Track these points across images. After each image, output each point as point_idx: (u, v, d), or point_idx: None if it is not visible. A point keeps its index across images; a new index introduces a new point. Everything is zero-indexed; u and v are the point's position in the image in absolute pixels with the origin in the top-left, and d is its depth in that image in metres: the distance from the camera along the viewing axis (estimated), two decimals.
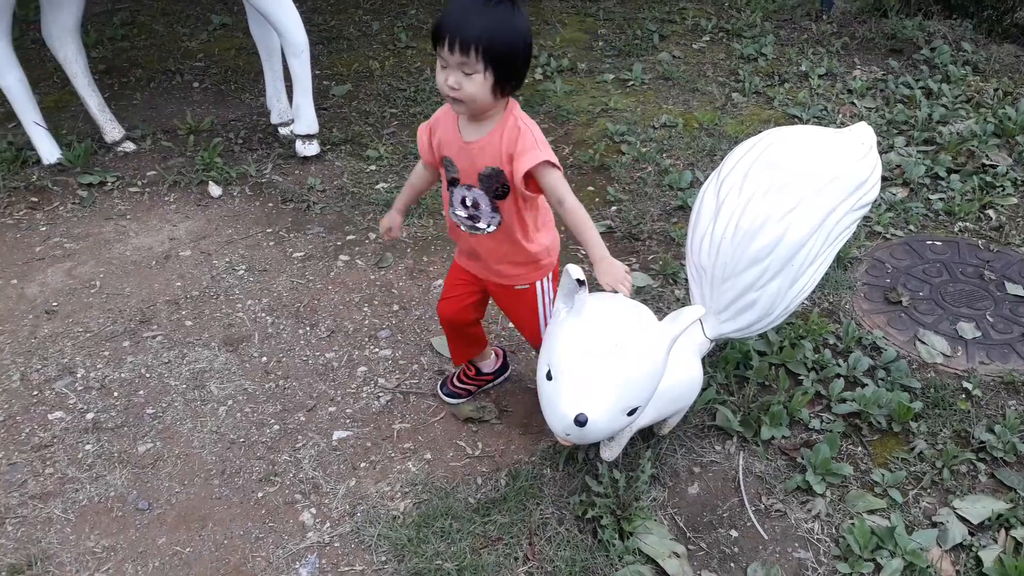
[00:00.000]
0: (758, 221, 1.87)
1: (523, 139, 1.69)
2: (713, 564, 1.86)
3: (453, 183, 1.82)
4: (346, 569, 1.84)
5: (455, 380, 2.26)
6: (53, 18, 3.26)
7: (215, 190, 3.23)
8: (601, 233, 2.96)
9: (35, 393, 2.30)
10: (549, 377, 1.68)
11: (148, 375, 2.36)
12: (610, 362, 1.62)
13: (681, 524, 1.94)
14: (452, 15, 1.57)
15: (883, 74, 4.20)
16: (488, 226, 1.83)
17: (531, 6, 5.23)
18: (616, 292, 1.69)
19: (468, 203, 1.82)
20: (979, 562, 1.83)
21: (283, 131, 3.58)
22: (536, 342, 2.01)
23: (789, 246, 1.88)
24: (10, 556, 1.86)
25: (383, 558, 1.85)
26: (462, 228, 1.88)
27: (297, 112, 3.32)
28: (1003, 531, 1.91)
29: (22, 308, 2.63)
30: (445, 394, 2.27)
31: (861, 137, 2.06)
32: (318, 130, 3.39)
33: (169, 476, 2.07)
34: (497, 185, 1.75)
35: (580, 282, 1.64)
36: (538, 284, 1.94)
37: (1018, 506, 1.95)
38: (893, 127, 3.68)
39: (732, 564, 1.86)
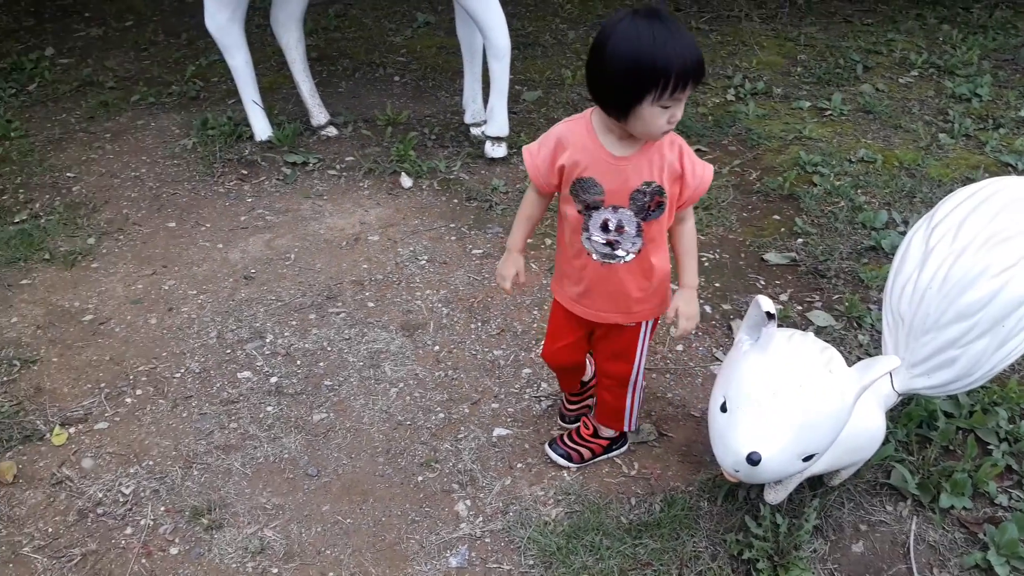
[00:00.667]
0: (972, 273, 1.75)
1: (688, 153, 1.65)
2: None
3: (593, 207, 1.66)
4: (494, 566, 1.87)
5: (567, 439, 2.12)
6: (282, 6, 3.53)
7: (406, 181, 3.38)
8: (784, 265, 2.87)
9: (228, 351, 2.50)
10: (724, 409, 1.64)
11: (329, 348, 2.51)
12: (793, 403, 1.56)
13: None
14: (675, 53, 1.44)
15: None
16: (628, 253, 1.71)
17: (729, 26, 5.12)
18: (676, 324, 1.79)
19: (612, 226, 1.67)
20: None
21: (475, 131, 3.70)
22: (625, 378, 1.94)
23: (1004, 304, 1.74)
24: (193, 499, 2.03)
25: (531, 561, 1.87)
26: (594, 257, 1.72)
27: (491, 114, 3.42)
28: None
29: (224, 271, 2.86)
30: (558, 454, 2.10)
31: None
32: (508, 133, 3.48)
33: (338, 447, 2.18)
34: (651, 204, 1.64)
35: (770, 315, 1.59)
36: (643, 324, 1.86)
37: None
38: None
39: None
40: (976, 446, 2.13)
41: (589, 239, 1.71)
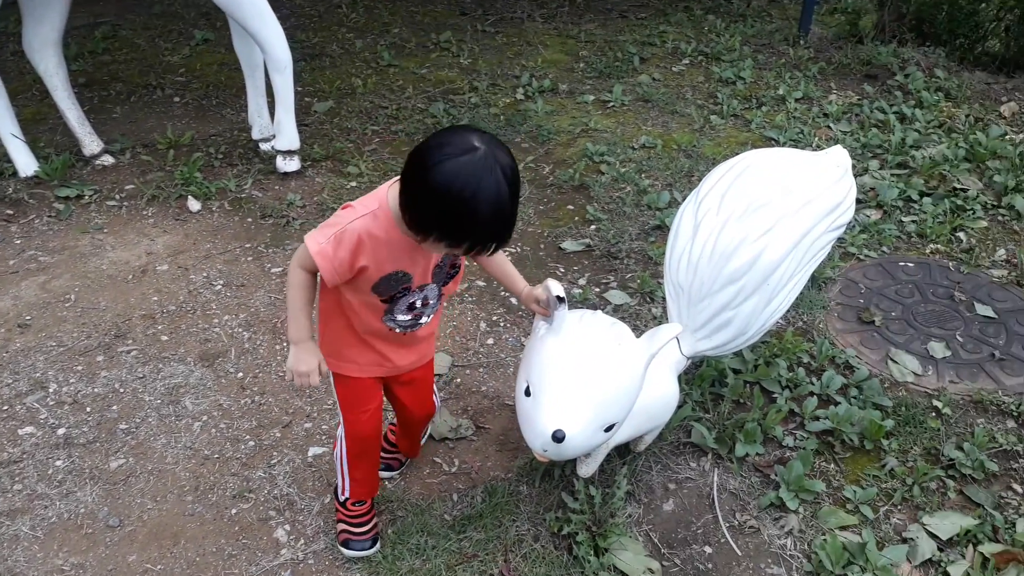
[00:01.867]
0: (735, 242, 1.90)
1: None
2: None
3: (400, 295, 1.57)
4: None
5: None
6: (34, 31, 3.25)
7: (194, 205, 3.22)
8: (580, 251, 3.00)
9: (5, 408, 2.28)
10: (528, 393, 1.68)
11: (122, 390, 2.34)
12: (588, 378, 1.63)
13: (656, 540, 1.94)
14: (506, 233, 1.40)
15: (858, 99, 4.27)
16: (430, 315, 1.67)
17: (513, 27, 5.28)
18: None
19: (418, 304, 1.61)
20: None
21: (264, 147, 3.58)
22: (432, 412, 1.94)
23: (765, 266, 1.90)
24: None
25: (357, 575, 1.84)
26: (397, 330, 1.64)
27: (278, 128, 3.33)
28: (971, 547, 1.93)
29: None
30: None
31: (837, 160, 2.10)
32: (299, 146, 3.40)
33: (141, 492, 2.04)
34: (448, 269, 1.62)
35: (560, 299, 1.65)
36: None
37: (985, 522, 1.98)
38: (868, 151, 3.74)
39: None
40: (762, 396, 2.32)
41: (392, 319, 1.61)
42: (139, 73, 4.45)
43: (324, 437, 2.20)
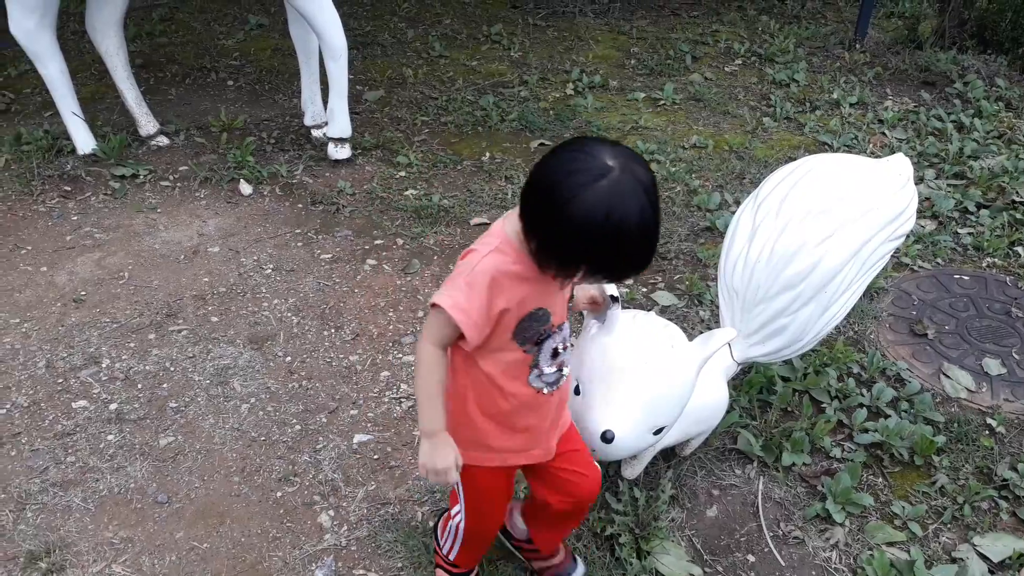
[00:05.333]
0: (794, 247, 1.87)
1: None
2: None
3: (544, 338, 1.38)
4: (361, 573, 1.84)
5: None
6: (98, 11, 3.31)
7: (246, 188, 3.25)
8: None
9: (60, 381, 2.32)
10: (577, 392, 1.68)
11: (172, 369, 2.38)
12: (639, 380, 1.62)
13: (698, 546, 1.93)
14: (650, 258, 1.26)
15: (915, 106, 4.18)
16: (569, 364, 1.46)
17: (565, 22, 5.25)
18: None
19: (561, 348, 1.41)
20: None
21: (316, 133, 3.61)
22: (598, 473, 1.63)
23: (824, 273, 1.87)
24: (29, 542, 1.87)
25: (399, 564, 1.85)
26: (545, 392, 1.42)
27: (331, 115, 3.35)
28: (1023, 570, 1.89)
29: (51, 296, 2.65)
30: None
31: (899, 168, 2.06)
32: (351, 134, 3.42)
33: (189, 471, 2.07)
34: (568, 299, 1.47)
35: (614, 298, 1.64)
36: None
37: None
38: (923, 159, 3.66)
39: None
40: (811, 406, 2.28)
41: (539, 375, 1.40)
42: (194, 56, 4.51)
43: (370, 425, 2.21)
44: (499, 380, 1.36)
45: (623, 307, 1.70)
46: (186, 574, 1.83)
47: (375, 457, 2.12)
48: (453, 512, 1.63)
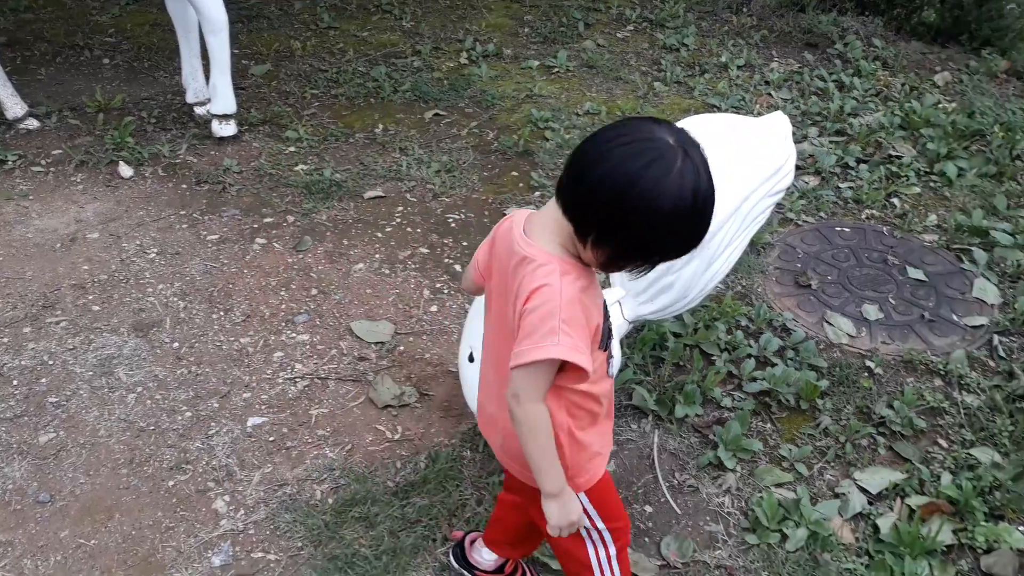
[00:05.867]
0: None
1: None
2: None
3: (608, 330, 1.33)
4: (260, 555, 1.81)
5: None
6: None
7: (126, 171, 3.11)
8: None
9: None
10: (471, 359, 1.68)
11: (51, 362, 2.27)
12: None
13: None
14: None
15: (799, 67, 4.32)
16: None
17: None
18: None
19: (612, 326, 1.42)
20: (876, 529, 1.92)
21: (199, 111, 3.47)
22: None
23: None
24: None
25: (299, 543, 1.83)
26: (613, 375, 1.42)
27: (214, 91, 3.23)
28: (899, 500, 2.00)
29: None
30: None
31: (777, 126, 2.11)
32: (236, 110, 3.30)
33: (73, 467, 1.99)
34: None
35: None
36: None
37: (913, 476, 2.05)
38: (807, 118, 3.79)
39: (647, 539, 1.90)
40: (702, 359, 2.35)
41: (611, 364, 1.39)
42: (65, 33, 4.26)
43: (264, 407, 2.17)
44: (592, 390, 1.31)
45: None
46: (73, 573, 1.76)
47: (271, 439, 2.08)
48: (595, 544, 1.48)
